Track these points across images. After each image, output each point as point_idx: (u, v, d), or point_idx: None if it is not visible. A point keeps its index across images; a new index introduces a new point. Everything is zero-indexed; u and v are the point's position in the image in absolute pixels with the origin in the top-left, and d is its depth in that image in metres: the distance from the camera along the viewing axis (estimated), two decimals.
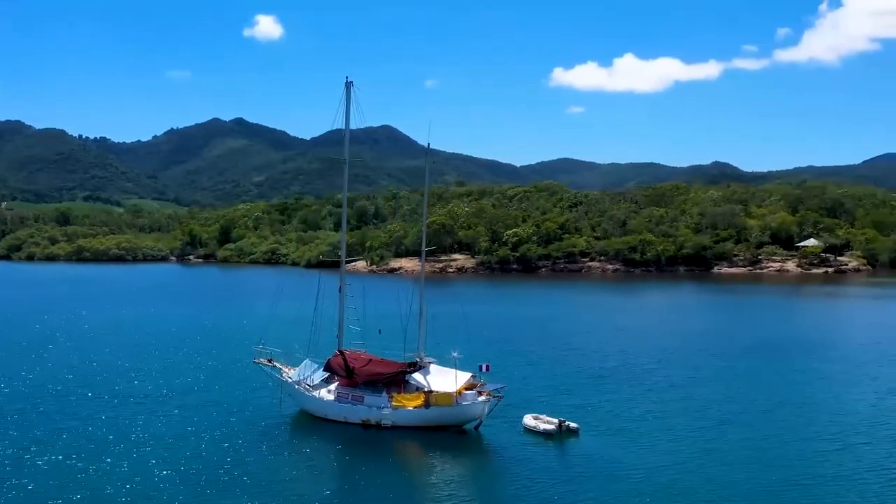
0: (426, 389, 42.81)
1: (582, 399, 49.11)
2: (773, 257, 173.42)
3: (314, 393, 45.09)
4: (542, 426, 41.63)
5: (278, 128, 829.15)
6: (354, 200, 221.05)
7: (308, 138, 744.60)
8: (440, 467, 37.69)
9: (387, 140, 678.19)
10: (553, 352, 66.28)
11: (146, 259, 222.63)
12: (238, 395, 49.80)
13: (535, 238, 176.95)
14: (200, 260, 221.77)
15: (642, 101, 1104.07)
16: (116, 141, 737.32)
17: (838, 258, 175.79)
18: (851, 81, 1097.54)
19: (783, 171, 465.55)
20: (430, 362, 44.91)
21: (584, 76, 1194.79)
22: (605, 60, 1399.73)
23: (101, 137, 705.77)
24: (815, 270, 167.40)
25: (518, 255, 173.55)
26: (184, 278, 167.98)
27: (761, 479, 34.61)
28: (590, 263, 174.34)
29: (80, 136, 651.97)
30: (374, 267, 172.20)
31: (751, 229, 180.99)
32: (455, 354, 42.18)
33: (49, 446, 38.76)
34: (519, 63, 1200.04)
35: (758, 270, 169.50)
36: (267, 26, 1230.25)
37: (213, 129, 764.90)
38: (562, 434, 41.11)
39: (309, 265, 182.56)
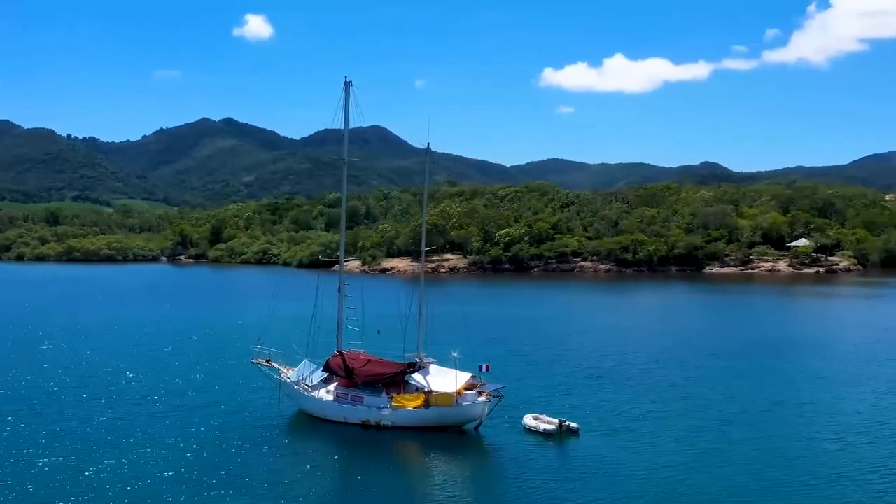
0: (426, 390, 42.62)
1: (582, 399, 49.03)
2: (765, 257, 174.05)
3: (313, 393, 44.84)
4: (543, 426, 41.51)
5: (268, 128, 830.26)
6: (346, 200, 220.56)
7: (298, 138, 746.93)
8: (440, 468, 37.52)
9: (377, 140, 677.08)
10: (550, 351, 66.22)
11: (137, 259, 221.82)
12: (236, 395, 49.49)
13: (527, 238, 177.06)
14: (191, 260, 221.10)
15: (632, 101, 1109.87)
16: (105, 141, 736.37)
17: (829, 258, 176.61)
18: (840, 82, 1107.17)
19: (772, 172, 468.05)
20: (429, 362, 44.72)
21: (574, 76, 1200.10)
22: (595, 61, 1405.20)
23: (90, 137, 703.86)
24: (806, 270, 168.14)
25: (510, 255, 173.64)
26: (176, 278, 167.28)
27: (764, 479, 34.58)
28: (582, 263, 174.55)
29: (69, 136, 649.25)
30: (367, 267, 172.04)
31: (742, 229, 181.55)
32: (455, 355, 42.01)
33: (48, 447, 38.40)
34: (509, 63, 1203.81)
35: (749, 270, 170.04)
36: (257, 26, 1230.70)
37: (202, 129, 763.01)
38: (562, 434, 40.98)
39: (301, 265, 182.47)
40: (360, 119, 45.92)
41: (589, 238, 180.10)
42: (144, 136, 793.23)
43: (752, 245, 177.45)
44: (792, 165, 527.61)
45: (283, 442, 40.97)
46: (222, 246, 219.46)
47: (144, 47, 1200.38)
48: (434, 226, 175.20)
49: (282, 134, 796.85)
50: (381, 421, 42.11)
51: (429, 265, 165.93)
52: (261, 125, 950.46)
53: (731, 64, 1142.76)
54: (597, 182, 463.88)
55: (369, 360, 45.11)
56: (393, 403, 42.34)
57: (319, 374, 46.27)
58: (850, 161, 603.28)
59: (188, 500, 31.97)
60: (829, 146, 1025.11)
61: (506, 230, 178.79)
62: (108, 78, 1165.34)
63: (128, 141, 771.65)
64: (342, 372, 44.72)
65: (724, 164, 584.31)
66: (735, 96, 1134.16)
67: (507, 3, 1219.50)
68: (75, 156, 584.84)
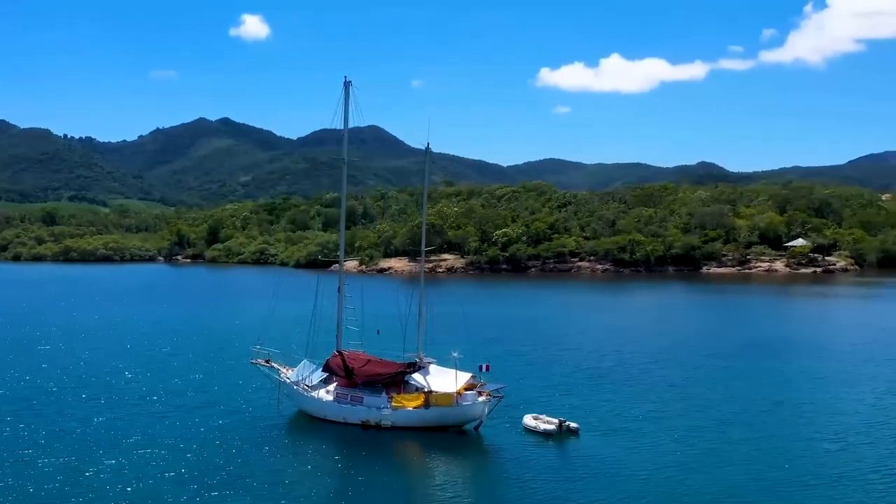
0: (426, 390, 42.59)
1: (581, 399, 49.05)
2: (762, 257, 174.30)
3: (313, 393, 44.79)
4: (543, 426, 41.51)
5: (264, 128, 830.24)
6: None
7: (294, 138, 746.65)
8: (440, 468, 37.49)
9: (373, 140, 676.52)
10: (549, 351, 66.24)
11: (134, 259, 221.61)
12: (236, 395, 49.41)
13: (524, 238, 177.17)
14: (188, 260, 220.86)
15: (628, 101, 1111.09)
16: (102, 140, 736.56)
17: (826, 258, 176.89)
18: (836, 82, 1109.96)
19: (769, 172, 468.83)
20: (429, 362, 44.69)
21: (571, 76, 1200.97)
22: (592, 61, 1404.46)
23: (86, 137, 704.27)
24: (803, 270, 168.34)
25: (507, 255, 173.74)
26: (173, 278, 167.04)
27: (764, 479, 34.61)
28: (579, 263, 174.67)
29: (66, 136, 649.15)
30: (364, 267, 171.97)
31: (739, 229, 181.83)
32: (455, 355, 41.99)
33: (48, 448, 38.33)
34: (505, 63, 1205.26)
35: (746, 270, 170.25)
36: (253, 26, 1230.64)
37: (199, 129, 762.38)
38: (562, 434, 40.99)
39: (298, 265, 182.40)
40: (359, 119, 46.01)
41: (586, 238, 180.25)
42: (141, 136, 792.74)
43: (749, 245, 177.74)
44: (789, 165, 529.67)
45: (283, 442, 40.92)
46: (219, 246, 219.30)
47: (141, 47, 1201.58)
48: (431, 226, 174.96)
49: (278, 134, 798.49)
50: (381, 421, 42.07)
51: (426, 265, 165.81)
52: (257, 125, 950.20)
53: (727, 64, 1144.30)
54: (593, 182, 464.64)
55: (369, 360, 45.08)
56: (393, 403, 42.30)
57: (319, 375, 46.21)
58: (846, 161, 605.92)
59: (189, 501, 31.90)
60: (826, 146, 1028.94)
61: (503, 230, 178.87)
62: (105, 78, 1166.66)
63: (124, 141, 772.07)
64: (342, 372, 44.67)
65: (720, 164, 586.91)
66: (732, 96, 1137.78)
67: (504, 4, 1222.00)
68: (72, 156, 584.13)
